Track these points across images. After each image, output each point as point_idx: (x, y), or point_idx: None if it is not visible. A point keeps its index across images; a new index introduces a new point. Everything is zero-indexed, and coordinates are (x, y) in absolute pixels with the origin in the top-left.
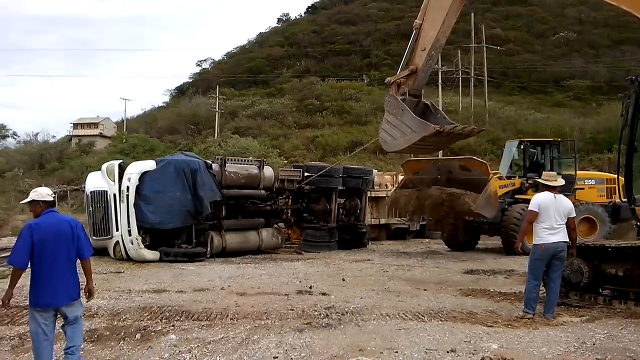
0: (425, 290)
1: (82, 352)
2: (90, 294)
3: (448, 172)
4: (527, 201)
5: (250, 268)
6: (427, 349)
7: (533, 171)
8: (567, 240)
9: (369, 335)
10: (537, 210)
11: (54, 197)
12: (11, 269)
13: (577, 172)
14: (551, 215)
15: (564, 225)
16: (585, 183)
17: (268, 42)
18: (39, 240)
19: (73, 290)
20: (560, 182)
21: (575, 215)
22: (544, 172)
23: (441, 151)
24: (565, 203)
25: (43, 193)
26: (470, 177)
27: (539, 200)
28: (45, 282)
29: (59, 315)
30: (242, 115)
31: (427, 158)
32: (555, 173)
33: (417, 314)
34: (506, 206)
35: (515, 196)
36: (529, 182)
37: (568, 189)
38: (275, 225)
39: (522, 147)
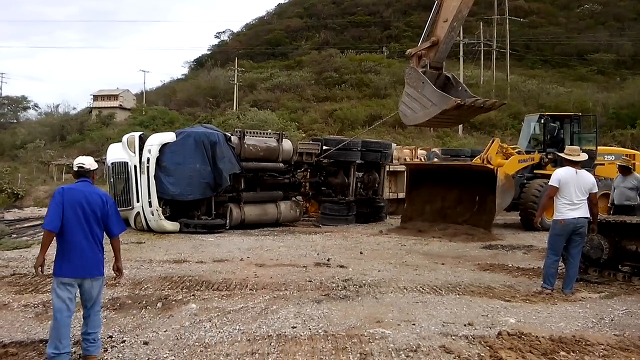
0: (442, 264)
1: (102, 329)
2: (119, 272)
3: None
4: (547, 176)
5: (268, 240)
6: (444, 322)
7: (553, 146)
8: (588, 216)
9: (386, 308)
10: (557, 186)
11: (84, 168)
12: (44, 233)
13: (598, 147)
14: (572, 191)
15: (585, 201)
16: (606, 158)
17: (287, 13)
18: (68, 203)
19: (101, 264)
20: (583, 156)
21: (597, 190)
22: (566, 146)
23: (460, 126)
24: (587, 178)
25: (75, 162)
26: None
27: (559, 175)
28: (70, 250)
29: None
30: (260, 88)
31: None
32: (578, 148)
33: (434, 287)
34: (525, 181)
35: (535, 171)
36: (549, 157)
37: (589, 165)
38: (294, 199)
39: (542, 122)
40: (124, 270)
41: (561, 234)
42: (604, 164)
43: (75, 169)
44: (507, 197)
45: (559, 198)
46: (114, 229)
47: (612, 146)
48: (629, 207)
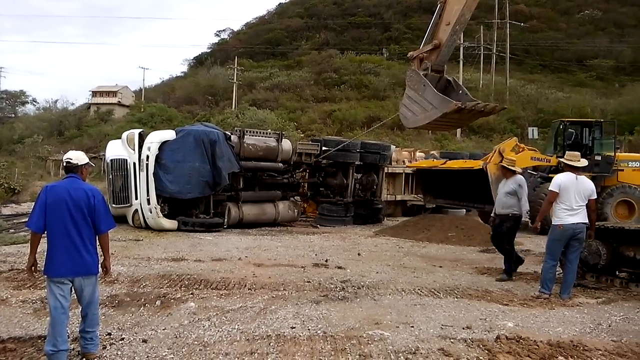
0: (440, 267)
1: (101, 326)
2: (106, 270)
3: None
4: None
5: (266, 240)
6: (442, 325)
7: (576, 151)
8: (587, 221)
9: (384, 310)
10: (557, 191)
11: (72, 163)
12: (31, 233)
13: (621, 153)
14: (571, 197)
15: (584, 207)
16: (629, 165)
17: (287, 13)
18: (52, 202)
19: (91, 263)
20: (583, 162)
21: (596, 197)
22: (567, 151)
23: (459, 129)
24: (586, 184)
25: (65, 158)
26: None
27: (559, 180)
28: (57, 248)
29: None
30: (259, 87)
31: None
32: (578, 153)
33: (432, 290)
34: (539, 183)
35: (550, 175)
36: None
37: (606, 170)
38: (292, 199)
39: (561, 127)
40: (119, 266)
41: (560, 239)
42: (623, 170)
43: (64, 164)
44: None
45: (558, 203)
46: (101, 225)
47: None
48: (507, 216)
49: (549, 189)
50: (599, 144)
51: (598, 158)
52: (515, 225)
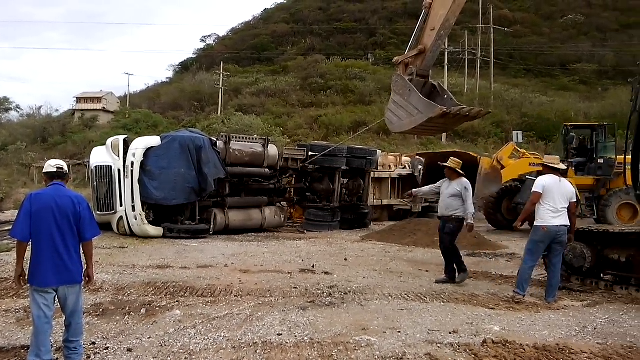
0: (427, 271)
1: (85, 335)
2: (89, 279)
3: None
4: None
5: (253, 246)
6: (429, 330)
7: (582, 155)
8: (568, 224)
9: (371, 315)
10: (541, 192)
11: (58, 169)
12: (15, 242)
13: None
14: (555, 198)
15: (566, 209)
16: None
17: (273, 18)
18: (36, 211)
19: (75, 272)
20: (562, 166)
21: (576, 200)
22: (546, 155)
23: (444, 133)
24: (568, 187)
25: (47, 165)
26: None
27: (543, 182)
28: (42, 257)
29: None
30: (245, 93)
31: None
32: (558, 157)
33: (419, 294)
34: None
35: None
36: (565, 165)
37: (608, 173)
38: (278, 204)
39: (563, 132)
40: (104, 274)
41: (543, 240)
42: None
43: (52, 170)
44: (490, 186)
45: (542, 204)
46: (86, 232)
47: None
48: (450, 217)
49: (533, 189)
50: (603, 147)
51: (601, 161)
52: (458, 227)
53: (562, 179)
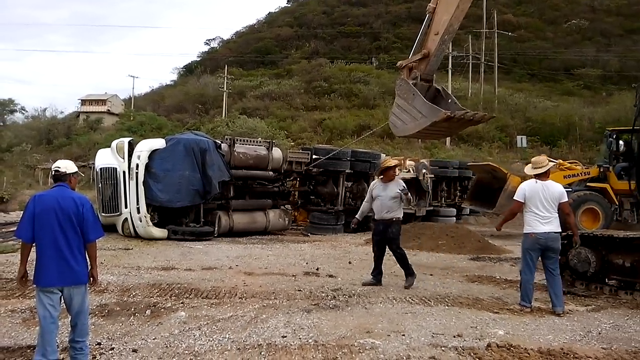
0: (431, 275)
1: (90, 336)
2: (93, 280)
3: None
4: (595, 189)
5: (257, 248)
6: (433, 333)
7: (627, 160)
8: (559, 230)
9: (376, 318)
10: (522, 201)
11: (60, 171)
12: (20, 243)
13: None
14: (538, 204)
15: (556, 215)
16: None
17: (277, 22)
18: (40, 212)
19: (80, 272)
20: (541, 170)
21: (567, 199)
22: (532, 159)
23: (448, 138)
24: (553, 189)
25: (53, 166)
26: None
27: (523, 189)
28: (46, 258)
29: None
30: (249, 96)
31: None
32: (544, 158)
33: (423, 298)
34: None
35: (587, 184)
36: (601, 169)
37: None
38: (283, 207)
39: (605, 137)
40: (109, 275)
41: (533, 248)
42: None
43: (52, 172)
44: (510, 203)
45: (528, 211)
46: (89, 234)
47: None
48: (391, 220)
49: (514, 197)
50: None
51: None
52: (400, 229)
53: (548, 181)
